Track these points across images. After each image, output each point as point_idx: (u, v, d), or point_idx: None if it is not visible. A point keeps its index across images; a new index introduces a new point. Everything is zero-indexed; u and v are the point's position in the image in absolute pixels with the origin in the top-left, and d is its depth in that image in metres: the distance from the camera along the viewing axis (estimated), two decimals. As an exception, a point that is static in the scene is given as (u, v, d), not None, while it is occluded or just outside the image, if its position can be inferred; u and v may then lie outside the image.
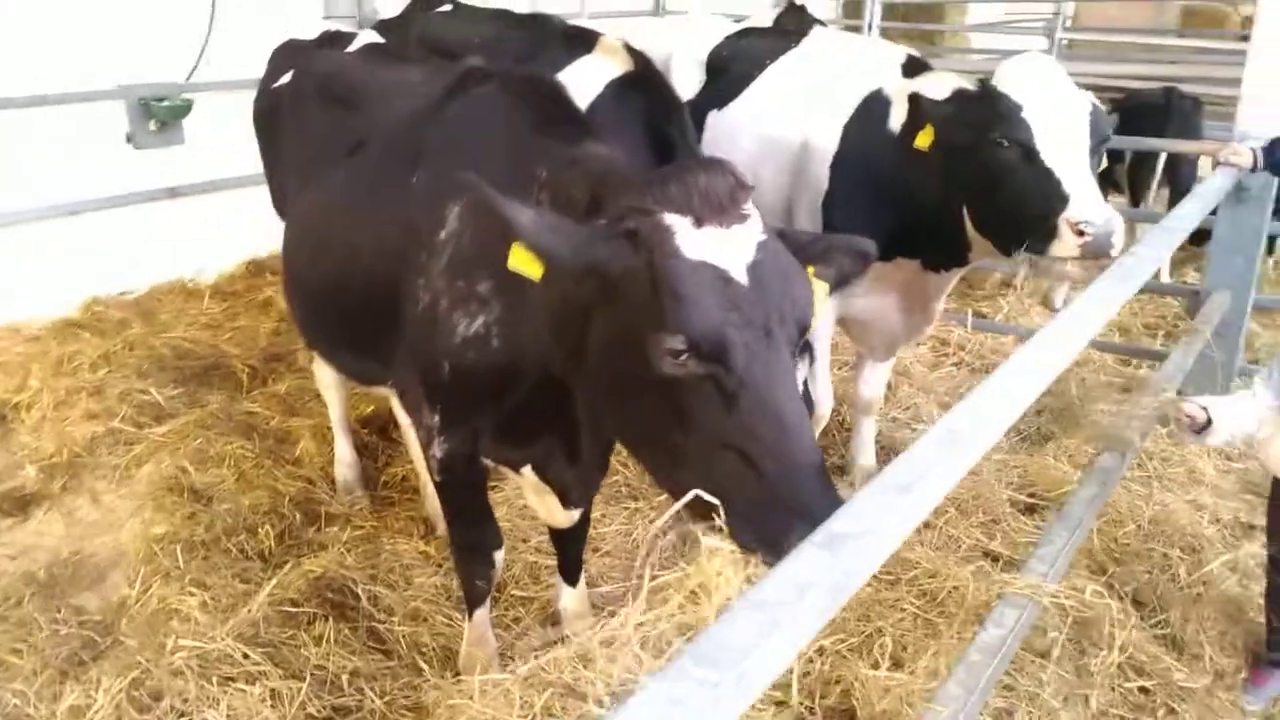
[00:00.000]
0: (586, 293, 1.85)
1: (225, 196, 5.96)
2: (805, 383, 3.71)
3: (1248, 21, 7.51)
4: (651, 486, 3.93)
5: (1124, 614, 3.18)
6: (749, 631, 1.07)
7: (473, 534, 2.86)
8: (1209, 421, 2.80)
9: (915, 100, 3.26)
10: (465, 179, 1.94)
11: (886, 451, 4.32)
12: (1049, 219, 2.95)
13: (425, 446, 2.64)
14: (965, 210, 3.24)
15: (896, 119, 3.42)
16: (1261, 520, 3.68)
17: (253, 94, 3.85)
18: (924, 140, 3.22)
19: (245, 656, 2.93)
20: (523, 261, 1.89)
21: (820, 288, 1.93)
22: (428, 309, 2.40)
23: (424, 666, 3.02)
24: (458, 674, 2.98)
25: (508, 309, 2.27)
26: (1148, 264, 2.72)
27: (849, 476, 4.19)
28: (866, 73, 3.61)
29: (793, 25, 4.53)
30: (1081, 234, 2.89)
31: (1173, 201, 6.16)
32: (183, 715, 2.75)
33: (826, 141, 3.58)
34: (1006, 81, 3.13)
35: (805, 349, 1.97)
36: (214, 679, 2.84)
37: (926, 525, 3.59)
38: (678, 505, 1.67)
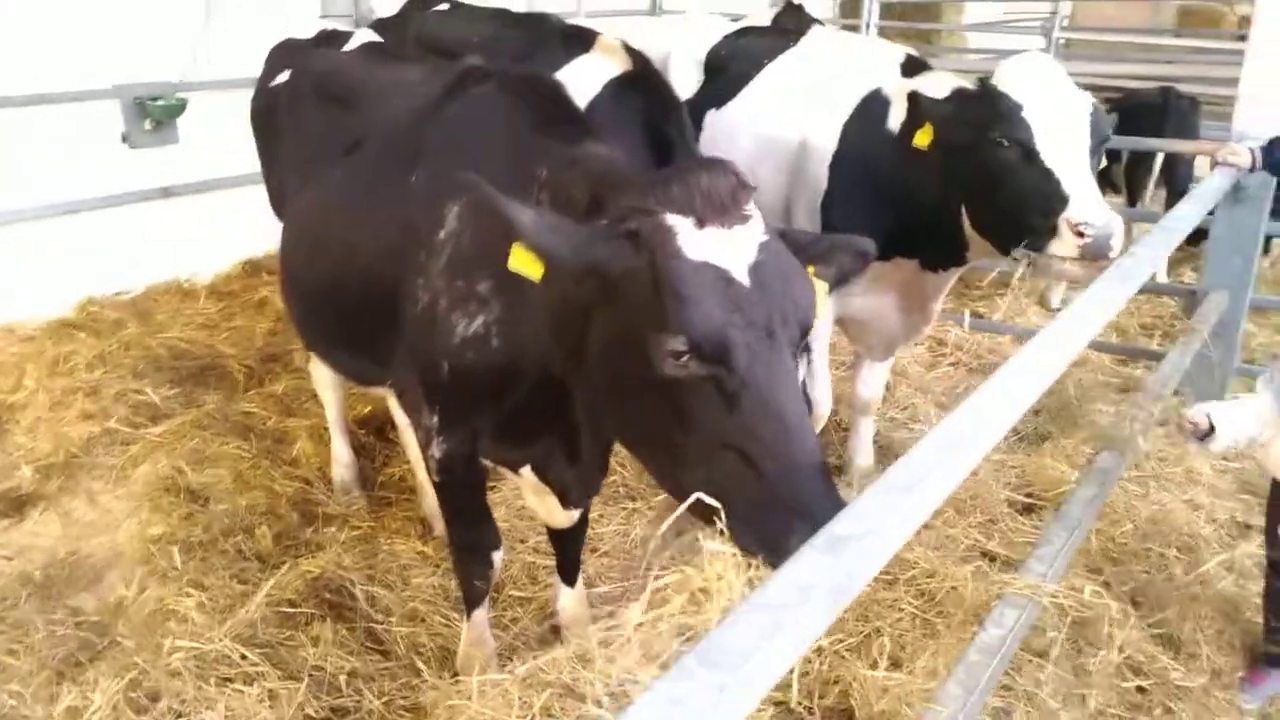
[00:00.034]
0: (587, 293, 1.85)
1: (221, 196, 5.93)
2: (804, 383, 3.71)
3: (1244, 21, 7.55)
4: (650, 486, 3.93)
5: (1122, 614, 3.18)
6: (752, 634, 1.08)
7: (471, 534, 2.85)
8: (1211, 428, 2.80)
9: (914, 99, 3.25)
10: (466, 178, 1.93)
11: (884, 451, 4.32)
12: (1049, 219, 2.94)
13: (424, 447, 2.64)
14: (964, 210, 3.24)
15: (895, 118, 3.42)
16: (1258, 520, 3.69)
17: (249, 93, 3.84)
18: (923, 139, 3.22)
19: (243, 657, 2.92)
20: (523, 262, 1.88)
21: (820, 288, 1.93)
22: (427, 309, 2.39)
23: (422, 667, 3.01)
24: (456, 674, 2.97)
25: (507, 309, 2.26)
26: (1147, 264, 2.73)
27: (846, 477, 4.19)
28: (865, 72, 3.60)
29: (791, 24, 4.52)
30: (1081, 235, 2.89)
31: (1169, 201, 6.16)
32: (180, 716, 2.75)
33: (825, 141, 3.57)
34: (1006, 81, 3.12)
35: (804, 349, 1.97)
36: (211, 680, 2.84)
37: (925, 525, 3.58)
38: (679, 510, 1.66)
